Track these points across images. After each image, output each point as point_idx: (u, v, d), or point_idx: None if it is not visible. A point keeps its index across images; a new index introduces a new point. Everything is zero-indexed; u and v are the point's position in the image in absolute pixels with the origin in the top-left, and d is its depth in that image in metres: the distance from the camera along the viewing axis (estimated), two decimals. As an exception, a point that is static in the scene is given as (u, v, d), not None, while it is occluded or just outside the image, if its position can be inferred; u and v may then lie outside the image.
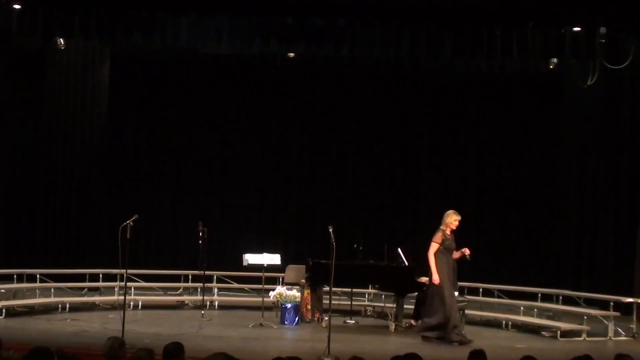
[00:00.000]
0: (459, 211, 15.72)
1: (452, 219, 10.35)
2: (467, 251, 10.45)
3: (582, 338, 11.11)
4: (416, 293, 11.61)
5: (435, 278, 10.11)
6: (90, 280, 13.60)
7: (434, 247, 10.24)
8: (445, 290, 10.09)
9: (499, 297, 13.44)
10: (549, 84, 15.07)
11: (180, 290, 14.15)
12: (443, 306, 10.07)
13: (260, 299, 11.58)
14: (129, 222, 9.19)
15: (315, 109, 16.17)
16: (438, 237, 10.26)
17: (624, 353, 5.60)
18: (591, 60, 12.64)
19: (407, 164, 16.32)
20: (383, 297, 13.30)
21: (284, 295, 11.66)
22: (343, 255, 10.68)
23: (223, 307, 13.22)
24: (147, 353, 5.20)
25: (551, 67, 13.45)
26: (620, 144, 13.70)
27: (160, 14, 12.04)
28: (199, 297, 12.91)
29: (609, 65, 12.13)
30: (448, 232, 10.34)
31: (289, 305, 11.51)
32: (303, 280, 12.03)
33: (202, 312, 12.14)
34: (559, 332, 11.06)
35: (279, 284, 12.65)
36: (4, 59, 14.80)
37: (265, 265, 11.87)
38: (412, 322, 11.57)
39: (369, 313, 13.09)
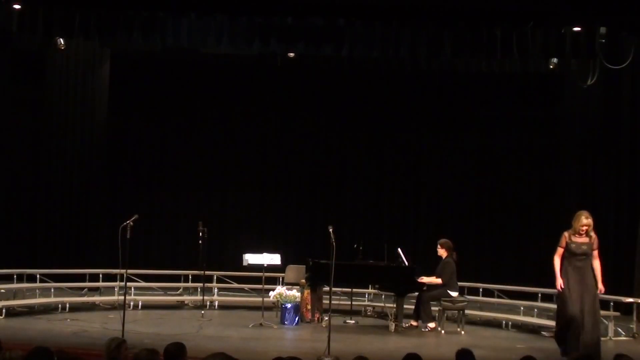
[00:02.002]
0: (457, 210, 15.94)
1: (578, 224, 9.10)
2: (601, 289, 9.18)
3: (582, 338, 11.09)
4: (416, 293, 11.61)
5: (559, 283, 9.11)
6: (90, 280, 13.60)
7: (558, 251, 9.22)
8: (564, 297, 9.04)
9: (499, 297, 13.43)
10: (549, 84, 15.06)
11: (180, 290, 14.15)
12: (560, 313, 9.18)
13: (260, 299, 11.58)
14: (129, 222, 9.18)
15: (316, 109, 16.18)
16: (562, 240, 9.19)
17: (624, 353, 5.59)
18: (591, 60, 12.62)
19: (407, 164, 16.33)
20: (383, 297, 13.31)
21: (284, 295, 11.67)
22: (343, 255, 10.68)
23: (223, 307, 13.22)
24: (148, 353, 5.19)
25: (551, 67, 13.42)
26: (620, 144, 13.70)
27: (160, 14, 12.04)
28: (199, 297, 12.92)
29: (609, 65, 12.12)
30: (577, 235, 9.11)
31: (289, 305, 11.51)
32: (303, 280, 12.03)
33: (202, 312, 12.14)
34: (559, 332, 11.04)
35: (279, 284, 12.66)
36: (4, 59, 14.81)
37: (265, 265, 11.87)
38: (412, 322, 11.57)
39: (369, 313, 13.09)
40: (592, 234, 9.19)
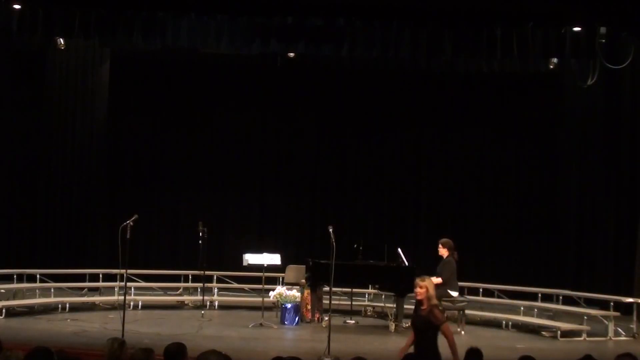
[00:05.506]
0: (457, 210, 15.91)
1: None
2: None
3: (582, 338, 11.11)
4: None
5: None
6: (90, 280, 13.60)
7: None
8: None
9: (499, 297, 13.44)
10: (549, 84, 15.05)
11: (180, 290, 14.15)
12: None
13: (260, 299, 11.58)
14: (129, 222, 9.19)
15: (316, 109, 16.18)
16: None
17: (628, 352, 5.57)
18: (591, 60, 12.63)
19: (407, 164, 16.33)
20: (383, 297, 13.30)
21: (284, 295, 11.67)
22: (343, 255, 10.68)
23: (223, 307, 13.21)
24: (144, 352, 5.19)
25: (551, 67, 13.43)
26: (620, 144, 13.70)
27: (160, 14, 12.05)
28: (199, 297, 12.91)
29: (609, 65, 12.13)
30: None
31: (289, 305, 11.51)
32: (303, 280, 12.03)
33: (202, 312, 12.14)
34: (559, 332, 11.06)
35: (279, 284, 12.66)
36: (4, 58, 14.80)
37: (265, 265, 11.87)
38: (412, 322, 11.56)
39: (369, 313, 13.09)
40: (429, 303, 6.83)
